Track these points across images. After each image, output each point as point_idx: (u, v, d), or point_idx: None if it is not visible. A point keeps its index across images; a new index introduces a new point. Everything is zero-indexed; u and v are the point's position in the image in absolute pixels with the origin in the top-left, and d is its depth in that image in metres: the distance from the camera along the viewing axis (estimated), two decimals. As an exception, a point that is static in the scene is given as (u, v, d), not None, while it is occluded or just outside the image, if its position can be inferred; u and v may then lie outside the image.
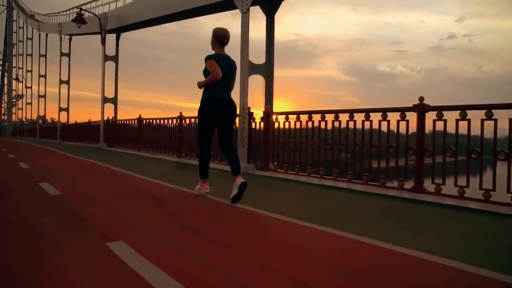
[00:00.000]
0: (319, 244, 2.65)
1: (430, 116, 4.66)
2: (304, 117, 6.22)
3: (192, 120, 9.17)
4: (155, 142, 11.37)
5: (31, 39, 38.63)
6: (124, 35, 16.91)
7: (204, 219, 3.41)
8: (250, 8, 7.31)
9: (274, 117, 6.93)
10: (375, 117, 5.20)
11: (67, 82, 24.76)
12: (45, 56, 29.70)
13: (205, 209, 3.85)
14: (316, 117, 5.99)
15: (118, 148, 14.03)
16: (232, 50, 4.66)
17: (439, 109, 4.56)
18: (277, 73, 8.21)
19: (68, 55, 24.65)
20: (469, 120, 4.33)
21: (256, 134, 7.21)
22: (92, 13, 16.85)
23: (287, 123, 6.57)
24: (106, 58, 16.41)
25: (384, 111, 5.10)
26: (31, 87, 40.35)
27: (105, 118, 15.98)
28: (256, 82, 7.89)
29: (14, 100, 44.75)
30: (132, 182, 5.75)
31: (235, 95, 4.53)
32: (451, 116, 4.50)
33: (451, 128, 4.48)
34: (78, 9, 16.93)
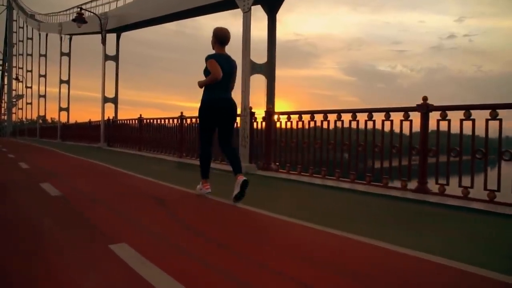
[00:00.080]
0: (320, 244, 2.65)
1: (433, 116, 4.64)
2: (306, 117, 6.18)
3: (193, 120, 9.13)
4: (155, 142, 11.34)
5: (31, 39, 38.66)
6: (124, 35, 16.89)
7: (204, 219, 3.40)
8: (252, 7, 7.28)
9: (276, 116, 6.90)
10: (378, 117, 5.16)
11: (67, 82, 24.74)
12: (45, 56, 29.72)
13: (206, 209, 3.84)
14: (319, 117, 5.96)
15: (119, 148, 14.01)
16: (233, 49, 4.63)
17: (443, 109, 4.53)
18: (277, 73, 8.15)
19: (68, 54, 24.63)
20: (473, 120, 4.29)
21: (257, 134, 7.17)
22: (93, 13, 16.83)
23: (289, 123, 6.54)
24: (106, 57, 16.39)
25: (387, 111, 5.07)
26: (31, 87, 40.44)
27: (106, 118, 15.96)
28: (258, 82, 7.86)
29: (14, 100, 44.73)
30: (133, 182, 5.73)
31: (236, 94, 4.51)
32: (454, 116, 4.48)
33: (453, 128, 4.46)
34: (79, 9, 16.91)
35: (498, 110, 4.07)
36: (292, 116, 6.49)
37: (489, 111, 4.12)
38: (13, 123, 46.26)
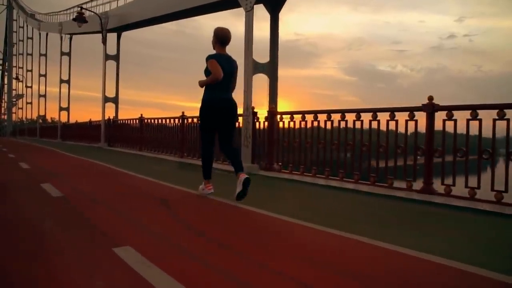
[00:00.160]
0: (320, 245, 2.65)
1: (438, 116, 4.58)
2: (309, 117, 6.13)
3: (195, 120, 9.07)
4: (156, 142, 11.29)
5: (31, 38, 38.61)
6: (124, 35, 16.85)
7: (206, 220, 3.38)
8: (254, 6, 7.22)
9: (278, 116, 6.84)
10: (383, 116, 5.11)
11: (68, 81, 24.71)
12: (45, 55, 29.68)
13: (207, 209, 3.81)
14: (322, 117, 5.90)
15: (119, 148, 13.97)
16: (235, 49, 4.57)
17: (449, 109, 4.47)
18: (278, 72, 8.08)
19: (69, 54, 24.59)
20: (480, 120, 4.24)
21: (260, 134, 7.12)
22: (93, 12, 16.80)
23: (291, 123, 6.49)
24: (107, 57, 16.34)
25: (392, 111, 5.01)
26: (31, 87, 40.40)
27: (106, 118, 15.91)
28: (260, 81, 7.80)
29: (14, 99, 44.73)
30: (134, 182, 5.69)
31: (238, 94, 4.46)
32: (460, 116, 4.43)
33: (459, 128, 4.42)
34: (79, 8, 16.86)
35: (506, 110, 4.02)
36: (295, 116, 6.43)
37: (496, 111, 4.07)
38: (13, 122, 46.28)
